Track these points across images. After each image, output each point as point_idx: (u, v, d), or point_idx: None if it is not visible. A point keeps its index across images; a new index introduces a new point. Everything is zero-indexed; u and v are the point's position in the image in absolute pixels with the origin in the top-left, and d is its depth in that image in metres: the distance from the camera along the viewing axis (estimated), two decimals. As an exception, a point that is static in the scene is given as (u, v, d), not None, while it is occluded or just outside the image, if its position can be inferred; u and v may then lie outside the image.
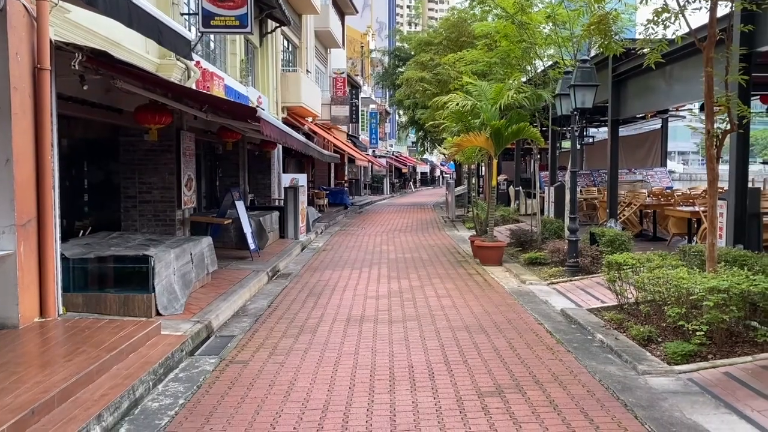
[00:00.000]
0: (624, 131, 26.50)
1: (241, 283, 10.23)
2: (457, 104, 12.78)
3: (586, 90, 10.11)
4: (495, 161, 12.95)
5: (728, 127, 6.93)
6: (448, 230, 21.32)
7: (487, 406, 5.29)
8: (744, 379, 5.52)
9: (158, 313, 7.85)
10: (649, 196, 16.44)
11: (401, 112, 38.50)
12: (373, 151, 48.98)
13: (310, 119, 26.27)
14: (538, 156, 17.10)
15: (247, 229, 12.80)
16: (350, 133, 40.13)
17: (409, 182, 67.09)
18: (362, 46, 48.13)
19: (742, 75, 7.54)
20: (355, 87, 40.99)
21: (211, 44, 15.84)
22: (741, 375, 5.62)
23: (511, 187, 26.51)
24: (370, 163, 36.79)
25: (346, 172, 40.75)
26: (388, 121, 55.65)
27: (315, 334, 7.73)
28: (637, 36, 10.44)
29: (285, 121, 22.35)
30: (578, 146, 28.29)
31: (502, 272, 12.09)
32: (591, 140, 25.28)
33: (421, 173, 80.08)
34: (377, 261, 13.98)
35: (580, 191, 20.47)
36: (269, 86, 21.04)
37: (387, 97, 48.56)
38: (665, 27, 7.49)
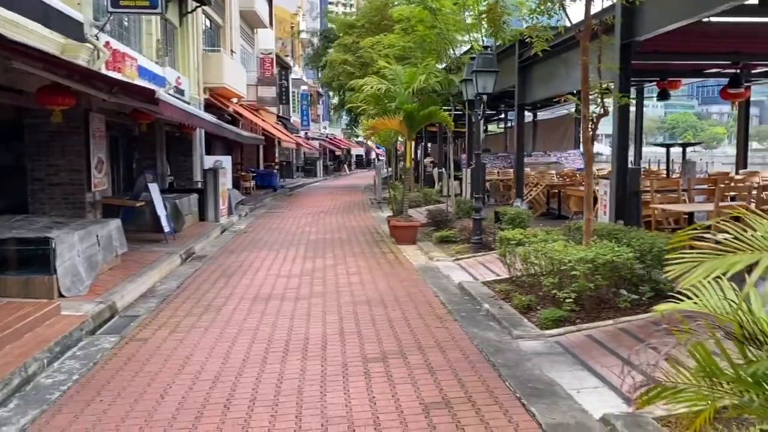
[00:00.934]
0: (544, 115, 27.55)
1: (152, 265, 10.29)
2: (372, 87, 13.08)
3: (487, 76, 10.60)
4: (410, 144, 13.35)
5: (602, 111, 7.50)
6: (372, 212, 21.71)
7: (369, 370, 5.68)
8: (602, 340, 6.11)
9: (61, 295, 7.88)
10: (560, 177, 17.26)
11: (331, 94, 38.54)
12: (306, 133, 48.80)
13: (235, 100, 26.04)
14: (452, 140, 17.63)
15: (161, 212, 12.79)
16: (281, 114, 39.89)
17: (343, 165, 67.17)
18: (293, 27, 47.69)
19: (619, 63, 8.13)
20: (285, 68, 40.66)
21: (125, 24, 15.55)
22: (600, 337, 6.22)
23: (436, 169, 27.12)
24: (298, 146, 36.64)
25: (276, 155, 40.52)
26: (321, 102, 55.50)
27: (219, 312, 7.95)
28: (524, 25, 10.98)
29: (207, 102, 22.13)
30: (501, 130, 28.86)
31: (414, 250, 12.56)
32: (512, 124, 26.14)
33: (357, 156, 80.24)
34: (296, 242, 14.21)
35: (497, 173, 21.23)
36: (190, 67, 20.74)
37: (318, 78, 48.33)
38: (549, 17, 8.00)
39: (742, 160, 14.42)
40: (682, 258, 1.93)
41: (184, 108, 9.98)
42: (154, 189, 12.87)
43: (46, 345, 6.01)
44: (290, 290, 9.13)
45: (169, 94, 16.97)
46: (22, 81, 9.28)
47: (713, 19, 9.62)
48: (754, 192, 8.47)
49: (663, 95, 15.30)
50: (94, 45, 11.39)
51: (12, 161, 11.83)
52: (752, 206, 8.23)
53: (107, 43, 12.14)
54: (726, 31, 9.67)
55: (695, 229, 2.32)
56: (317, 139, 51.96)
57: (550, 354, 5.91)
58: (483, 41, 12.74)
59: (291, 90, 44.77)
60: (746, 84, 13.46)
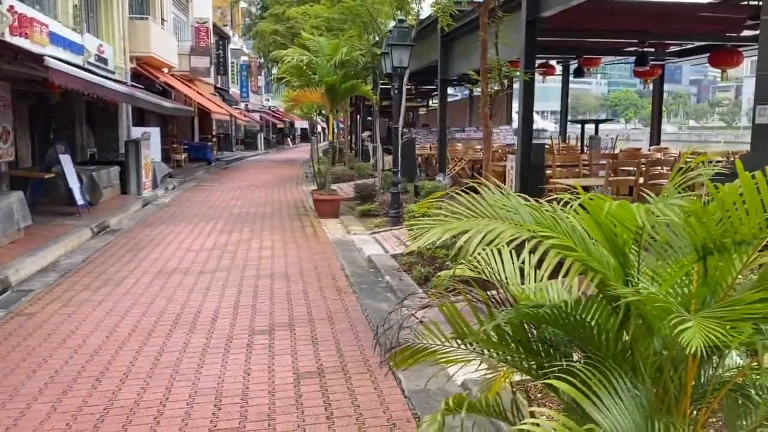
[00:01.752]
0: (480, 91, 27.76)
1: (57, 239, 10.01)
2: (293, 59, 12.91)
3: (403, 49, 10.61)
4: (332, 118, 13.27)
5: (498, 87, 7.62)
6: (305, 185, 21.59)
7: (253, 342, 5.71)
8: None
9: (-51, 270, 7.60)
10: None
11: (270, 66, 37.86)
12: (246, 105, 47.91)
13: (165, 70, 25.31)
14: (379, 114, 17.61)
15: (74, 184, 12.42)
16: (219, 86, 39.02)
17: (286, 138, 66.37)
18: (232, -5, 46.40)
19: (525, 40, 8.26)
20: (223, 38, 39.64)
21: (38, -13, 14.84)
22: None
23: (370, 143, 27.10)
24: (232, 117, 35.95)
25: (214, 127, 39.72)
26: (262, 74, 54.44)
27: (118, 286, 7.82)
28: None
29: (135, 72, 21.45)
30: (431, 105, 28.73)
31: (335, 224, 12.58)
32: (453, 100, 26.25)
33: (302, 129, 79.30)
34: (218, 216, 14.04)
35: (429, 147, 21.36)
36: (115, 35, 20.02)
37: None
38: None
39: (655, 137, 14.91)
40: (417, 223, 2.01)
41: (82, 77, 9.63)
42: (66, 160, 12.46)
43: None
44: (196, 264, 9.04)
45: (90, 62, 16.40)
46: None
47: (617, -2, 9.88)
48: (643, 167, 8.81)
49: (578, 72, 15.63)
50: (-5, 9, 10.86)
51: None
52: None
53: (11, 7, 11.59)
54: (634, 9, 9.91)
55: (438, 197, 2.40)
56: (258, 111, 51.09)
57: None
58: (397, 15, 12.68)
59: (230, 60, 43.78)
60: (659, 62, 13.88)
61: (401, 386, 4.65)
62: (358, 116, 31.44)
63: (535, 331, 2.07)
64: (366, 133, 32.05)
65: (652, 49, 13.70)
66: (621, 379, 1.73)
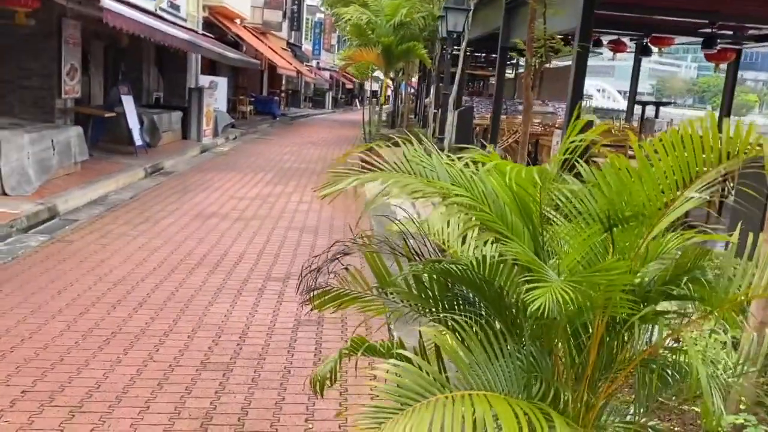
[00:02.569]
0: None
1: (110, 175, 10.53)
2: (351, 17, 12.92)
3: (458, 13, 10.44)
4: (387, 80, 13.26)
5: (542, 60, 7.43)
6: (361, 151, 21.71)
7: (265, 288, 5.93)
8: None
9: (5, 194, 8.14)
10: (542, 127, 17.11)
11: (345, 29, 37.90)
12: (317, 62, 48.20)
13: (238, 21, 25.74)
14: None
15: (134, 125, 12.94)
16: (292, 41, 39.37)
17: (355, 99, 66.54)
18: (313, -49, 46.39)
19: (582, 11, 8.01)
20: (300, -8, 39.89)
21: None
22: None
23: (431, 109, 26.91)
24: (299, 73, 36.29)
25: (283, 82, 40.23)
26: (336, 32, 54.50)
27: (156, 224, 8.20)
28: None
29: (207, 22, 21.90)
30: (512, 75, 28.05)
31: (378, 185, 12.65)
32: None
33: (372, 91, 79.32)
34: (269, 168, 14.36)
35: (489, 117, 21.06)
36: (190, -17, 20.47)
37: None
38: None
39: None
40: (335, 173, 2.06)
41: (137, 19, 9.94)
42: (127, 101, 12.98)
43: (-33, 236, 6.28)
44: (235, 211, 9.34)
45: (161, 8, 16.85)
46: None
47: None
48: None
49: (645, 51, 14.96)
50: (70, -51, 11.28)
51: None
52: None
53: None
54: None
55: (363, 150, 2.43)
56: (328, 70, 51.28)
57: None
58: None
59: (305, 17, 44.03)
60: (734, 46, 13.12)
61: (391, 335, 4.75)
62: (426, 82, 31.17)
63: (458, 291, 2.12)
64: (428, 99, 31.84)
65: (730, 32, 12.96)
66: (503, 339, 1.76)
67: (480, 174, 1.93)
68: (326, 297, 2.33)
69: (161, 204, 9.48)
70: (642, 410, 2.01)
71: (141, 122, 13.74)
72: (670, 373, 1.99)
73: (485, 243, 1.94)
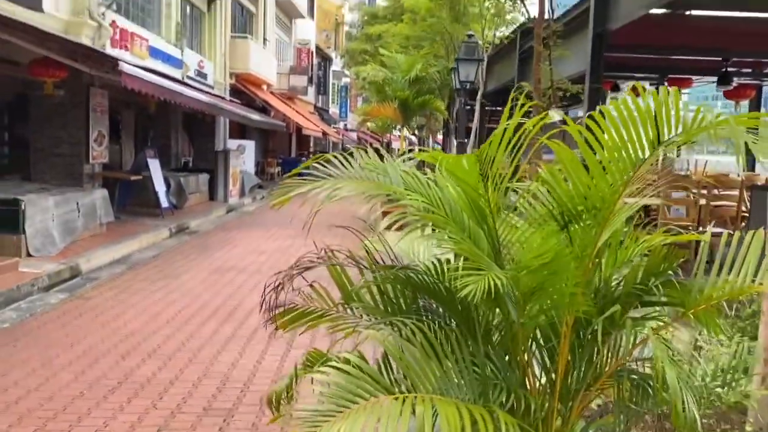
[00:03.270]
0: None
1: (134, 236, 10.72)
2: (369, 74, 13.23)
3: (470, 64, 10.60)
4: (403, 133, 13.43)
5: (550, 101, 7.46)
6: (382, 202, 21.83)
7: (274, 335, 5.85)
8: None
9: (30, 255, 8.33)
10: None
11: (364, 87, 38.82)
12: (344, 124, 49.24)
13: (265, 87, 26.55)
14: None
15: (159, 187, 13.26)
16: (319, 105, 40.39)
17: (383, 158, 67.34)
18: (336, 19, 48.10)
19: (591, 53, 8.08)
20: (326, 59, 41.15)
21: (146, 7, 16.11)
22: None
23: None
24: (326, 135, 37.11)
25: (311, 144, 41.06)
26: (362, 95, 55.80)
27: (175, 280, 8.27)
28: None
29: (234, 88, 22.64)
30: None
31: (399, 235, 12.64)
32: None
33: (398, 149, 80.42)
34: (292, 224, 14.45)
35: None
36: (216, 52, 21.28)
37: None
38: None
39: (750, 163, 13.93)
40: (288, 184, 2.05)
41: (155, 82, 10.31)
42: (154, 165, 13.35)
43: (-13, 295, 6.41)
44: (253, 264, 9.39)
45: (188, 76, 17.52)
46: (15, 53, 9.80)
47: (695, 12, 9.41)
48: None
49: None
50: (98, 23, 11.89)
51: (20, 133, 12.46)
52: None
53: (113, 22, 12.64)
54: (709, 25, 9.41)
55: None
56: (355, 131, 52.23)
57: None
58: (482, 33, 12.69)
59: (331, 81, 45.27)
60: (753, 82, 12.99)
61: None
62: (449, 137, 31.51)
63: (423, 303, 2.05)
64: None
65: (749, 69, 12.88)
66: (458, 347, 1.68)
67: (436, 179, 1.90)
68: (291, 315, 2.28)
69: (182, 261, 9.59)
70: (622, 423, 1.89)
71: (168, 185, 14.08)
72: (651, 384, 1.88)
73: (440, 246, 1.89)
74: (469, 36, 10.90)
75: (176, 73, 16.55)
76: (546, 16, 7.57)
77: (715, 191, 9.19)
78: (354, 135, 50.69)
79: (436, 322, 1.81)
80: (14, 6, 8.87)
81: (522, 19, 12.05)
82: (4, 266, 7.27)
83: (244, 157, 20.91)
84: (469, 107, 16.02)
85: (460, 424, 1.31)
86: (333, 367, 1.56)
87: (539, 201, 1.76)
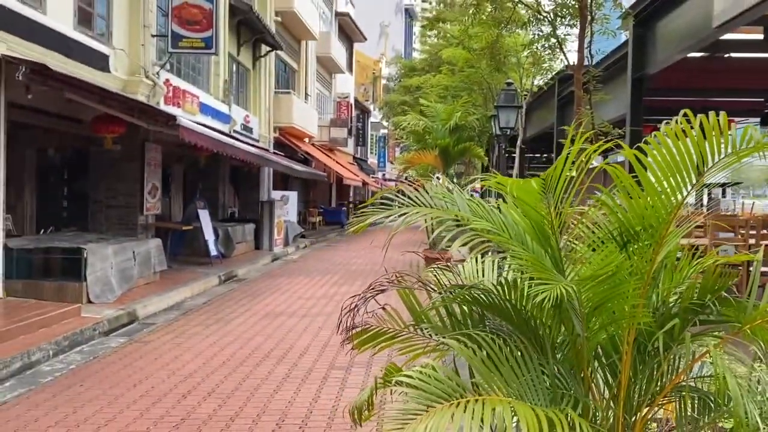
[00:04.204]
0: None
1: (186, 283, 11.06)
2: (409, 123, 13.58)
3: (510, 111, 10.85)
4: (442, 179, 13.67)
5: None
6: (423, 249, 21.94)
7: (328, 376, 6.01)
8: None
9: (90, 301, 8.69)
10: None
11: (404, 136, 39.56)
12: (383, 174, 49.94)
13: (307, 140, 27.30)
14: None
15: (209, 236, 13.68)
16: (358, 156, 41.18)
17: (422, 207, 67.69)
18: (374, 73, 49.39)
19: (630, 97, 8.26)
20: (364, 111, 42.12)
21: (196, 66, 16.95)
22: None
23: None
24: (366, 185, 37.79)
25: (351, 194, 41.67)
26: (399, 145, 56.66)
27: (227, 324, 8.50)
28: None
29: (278, 141, 23.36)
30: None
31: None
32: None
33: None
34: (336, 271, 14.71)
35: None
36: (261, 107, 22.09)
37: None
38: (552, 53, 8.26)
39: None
40: (364, 212, 2.24)
41: (208, 134, 10.82)
42: (203, 215, 13.81)
43: (54, 339, 6.72)
44: (302, 309, 9.58)
45: (235, 130, 18.21)
46: (80, 111, 10.45)
47: (733, 55, 9.52)
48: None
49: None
50: (153, 81, 12.59)
51: (80, 186, 13.11)
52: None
53: (167, 80, 13.35)
54: (747, 65, 9.50)
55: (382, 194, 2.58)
56: (394, 180, 52.86)
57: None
58: (520, 81, 12.97)
59: (370, 132, 46.18)
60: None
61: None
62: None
63: (489, 324, 2.19)
64: (492, 200, 32.13)
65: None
66: (528, 358, 1.80)
67: (500, 206, 2.07)
68: (365, 336, 2.44)
69: (233, 307, 9.84)
70: (685, 436, 1.97)
71: (216, 234, 14.51)
72: (711, 398, 1.97)
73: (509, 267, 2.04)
74: (508, 84, 11.18)
75: (224, 128, 17.23)
76: (585, 62, 7.78)
77: (764, 231, 9.10)
78: (392, 184, 51.36)
79: (503, 339, 1.94)
80: (82, 67, 9.51)
81: (560, 66, 12.30)
82: (68, 312, 7.62)
83: (287, 207, 21.40)
84: (507, 154, 16.23)
85: (538, 425, 1.43)
86: (417, 371, 1.71)
87: (597, 225, 1.91)
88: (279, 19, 22.84)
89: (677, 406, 1.98)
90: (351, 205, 40.94)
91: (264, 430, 4.64)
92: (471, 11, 9.12)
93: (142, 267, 10.35)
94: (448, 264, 2.53)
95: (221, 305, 10.00)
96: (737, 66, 9.53)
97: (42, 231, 10.65)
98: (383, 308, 2.52)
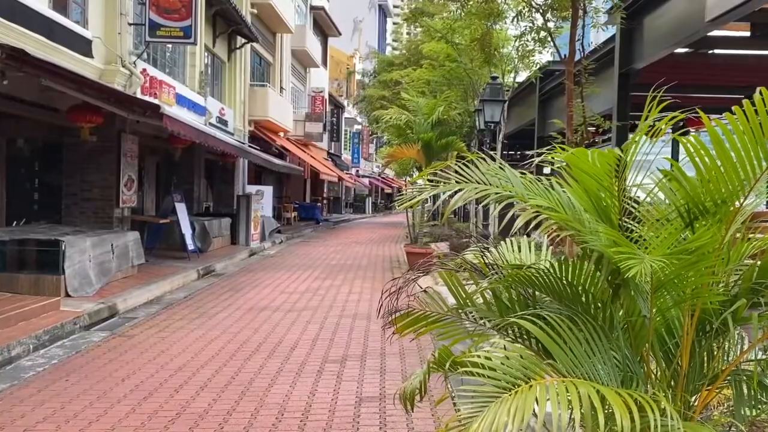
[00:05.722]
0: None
1: (165, 277, 10.80)
2: (391, 118, 13.48)
3: (495, 105, 10.82)
4: (418, 175, 13.60)
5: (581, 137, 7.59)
6: (404, 244, 21.90)
7: (323, 369, 5.89)
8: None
9: (68, 295, 8.41)
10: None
11: (377, 133, 39.45)
12: (356, 170, 49.75)
13: (282, 134, 27.00)
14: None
15: (186, 231, 13.40)
16: (332, 151, 40.93)
17: (394, 202, 67.71)
18: (348, 68, 49.16)
19: (617, 92, 8.27)
20: (338, 107, 41.87)
21: (172, 56, 16.60)
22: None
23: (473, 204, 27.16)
24: (341, 181, 37.52)
25: (325, 189, 41.42)
26: (373, 142, 56.53)
27: (211, 318, 8.31)
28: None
29: (253, 135, 23.05)
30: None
31: (425, 277, 12.65)
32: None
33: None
34: (316, 266, 14.55)
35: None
36: (236, 100, 21.76)
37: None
38: (542, 46, 8.23)
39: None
40: (414, 188, 2.14)
41: (190, 124, 10.58)
42: (180, 209, 13.52)
43: (34, 333, 6.47)
44: (286, 304, 9.43)
45: (211, 123, 17.89)
46: (57, 100, 10.11)
47: (717, 51, 9.63)
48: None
49: (683, 134, 15.11)
50: (130, 71, 12.26)
51: (53, 178, 12.71)
52: None
53: (144, 70, 13.02)
54: (735, 63, 9.61)
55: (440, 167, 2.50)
56: (367, 176, 52.76)
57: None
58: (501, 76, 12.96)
59: (344, 128, 45.95)
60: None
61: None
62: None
63: (539, 309, 2.10)
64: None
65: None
66: (597, 335, 1.73)
67: (553, 183, 1.99)
68: (408, 319, 2.34)
69: (214, 301, 9.63)
70: (744, 420, 1.92)
71: (193, 228, 14.23)
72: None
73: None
74: (494, 78, 11.16)
75: (200, 120, 16.91)
76: (576, 55, 7.77)
77: None
78: (366, 181, 51.18)
79: (571, 319, 1.86)
80: (64, 50, 9.18)
81: (543, 61, 12.29)
82: (48, 305, 7.35)
83: (263, 202, 21.14)
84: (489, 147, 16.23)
85: (626, 409, 1.36)
86: (487, 352, 1.62)
87: (659, 203, 1.84)
88: (255, 11, 22.52)
89: (734, 389, 1.93)
90: (326, 201, 40.76)
91: (264, 425, 4.50)
92: (459, 3, 9.03)
93: (121, 260, 10.07)
94: (487, 245, 2.43)
95: (203, 299, 9.78)
96: (721, 63, 9.64)
97: (15, 223, 10.29)
98: (425, 291, 2.42)
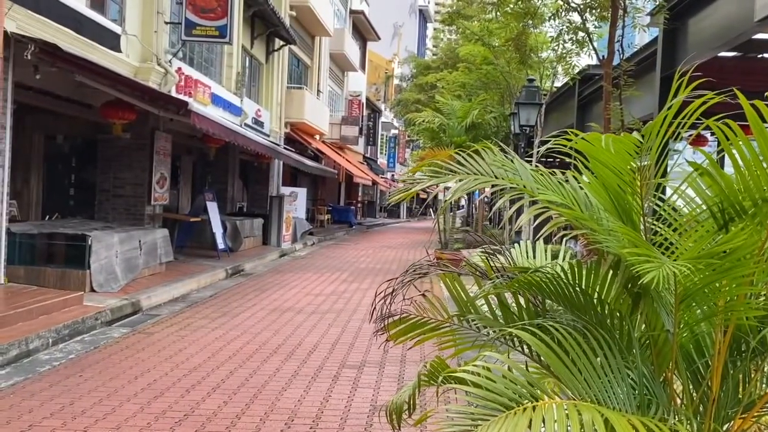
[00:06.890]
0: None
1: (192, 275, 10.78)
2: (424, 120, 13.27)
3: (531, 108, 10.52)
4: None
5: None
6: (436, 250, 21.62)
7: (340, 375, 5.70)
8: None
9: (93, 290, 8.42)
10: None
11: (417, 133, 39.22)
12: (392, 175, 49.60)
13: (317, 137, 27.02)
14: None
15: (217, 229, 13.40)
16: (368, 155, 40.87)
17: (429, 208, 67.34)
18: (386, 72, 49.10)
19: (659, 96, 7.92)
20: (375, 111, 41.82)
21: (210, 57, 16.70)
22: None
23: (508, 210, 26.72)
24: (376, 185, 37.39)
25: (359, 193, 41.38)
26: (409, 147, 56.35)
27: (234, 318, 8.21)
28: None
29: (288, 137, 23.10)
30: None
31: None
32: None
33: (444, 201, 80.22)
34: (345, 269, 14.41)
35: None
36: (273, 101, 21.83)
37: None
38: (580, 47, 7.94)
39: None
40: (410, 179, 1.93)
41: (220, 123, 10.54)
42: (212, 208, 13.54)
43: (54, 326, 6.45)
44: (311, 306, 9.28)
45: (246, 123, 17.95)
46: (90, 96, 10.19)
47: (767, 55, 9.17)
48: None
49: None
50: (165, 69, 12.33)
51: (87, 175, 12.86)
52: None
53: (179, 69, 13.08)
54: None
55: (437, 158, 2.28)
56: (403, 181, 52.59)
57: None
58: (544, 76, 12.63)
59: (380, 133, 45.88)
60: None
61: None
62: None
63: (548, 318, 1.88)
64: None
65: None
66: (610, 351, 1.50)
67: (569, 177, 1.77)
68: (403, 326, 2.13)
69: (239, 301, 9.55)
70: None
71: (224, 228, 14.24)
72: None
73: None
74: (530, 80, 10.86)
75: (235, 120, 16.97)
76: (615, 57, 7.46)
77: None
78: (401, 185, 51.04)
79: (580, 332, 1.64)
80: (93, 45, 9.24)
81: (583, 65, 11.95)
82: (70, 299, 7.35)
83: (296, 203, 21.13)
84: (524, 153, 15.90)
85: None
86: (479, 365, 1.41)
87: (690, 202, 1.60)
88: (293, 13, 22.58)
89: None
90: (360, 205, 40.68)
91: (272, 430, 4.34)
92: (495, 4, 8.78)
93: (148, 257, 10.08)
94: (499, 248, 2.21)
95: (228, 299, 9.71)
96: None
97: (47, 218, 10.41)
98: (423, 295, 2.21)
